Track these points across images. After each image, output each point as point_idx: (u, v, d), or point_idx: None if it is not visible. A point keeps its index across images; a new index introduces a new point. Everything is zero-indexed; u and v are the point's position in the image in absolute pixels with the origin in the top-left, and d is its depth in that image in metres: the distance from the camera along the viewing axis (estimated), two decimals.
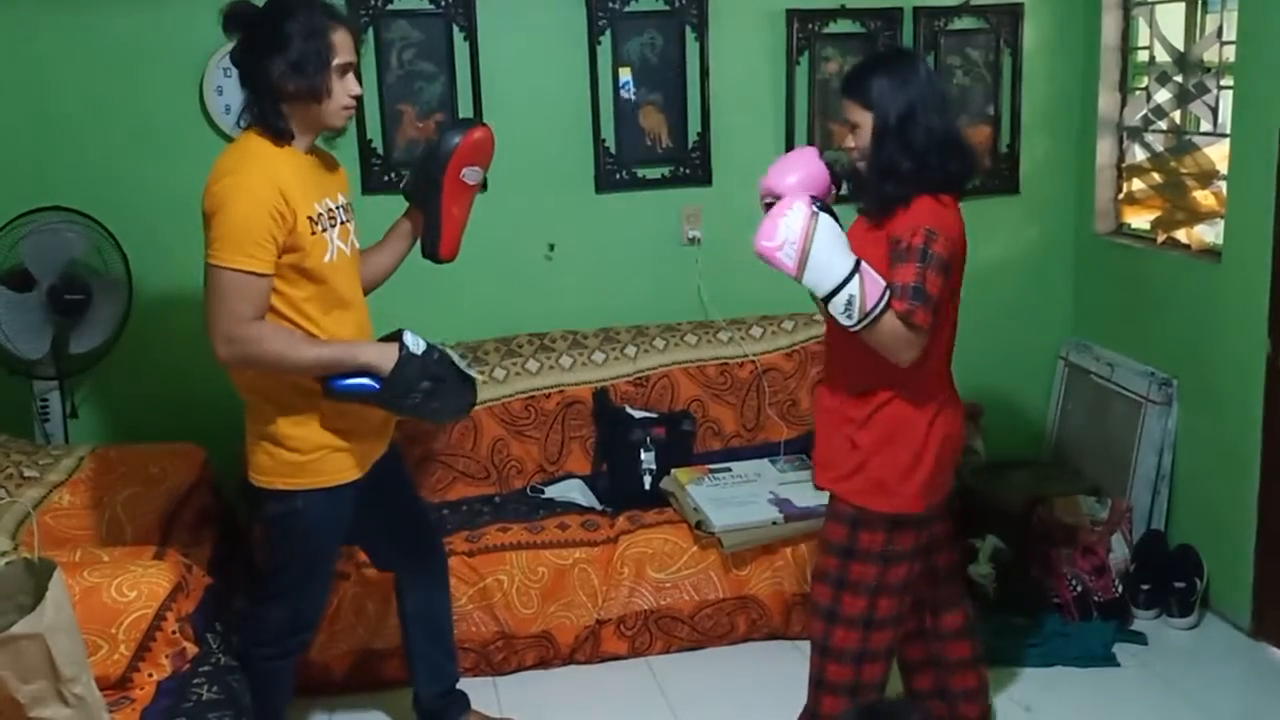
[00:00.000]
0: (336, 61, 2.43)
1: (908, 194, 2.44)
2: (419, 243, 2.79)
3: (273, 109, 2.44)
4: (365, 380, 2.48)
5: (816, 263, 2.33)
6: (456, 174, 2.69)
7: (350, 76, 2.48)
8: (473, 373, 2.66)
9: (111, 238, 3.51)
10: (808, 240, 2.33)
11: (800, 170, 2.53)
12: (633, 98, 3.93)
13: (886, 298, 2.36)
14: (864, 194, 2.54)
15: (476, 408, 3.73)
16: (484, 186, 3.12)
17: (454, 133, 2.70)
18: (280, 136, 2.46)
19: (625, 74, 3.91)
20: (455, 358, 2.61)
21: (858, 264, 2.36)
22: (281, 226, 2.38)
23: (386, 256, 2.79)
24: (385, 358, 2.47)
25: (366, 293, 2.74)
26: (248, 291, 2.37)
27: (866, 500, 2.54)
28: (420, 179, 2.73)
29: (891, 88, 2.45)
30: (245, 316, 2.38)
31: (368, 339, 2.63)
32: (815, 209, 2.36)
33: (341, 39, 2.45)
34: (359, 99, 2.53)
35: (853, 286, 2.33)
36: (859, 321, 2.36)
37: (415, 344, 2.51)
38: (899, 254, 2.41)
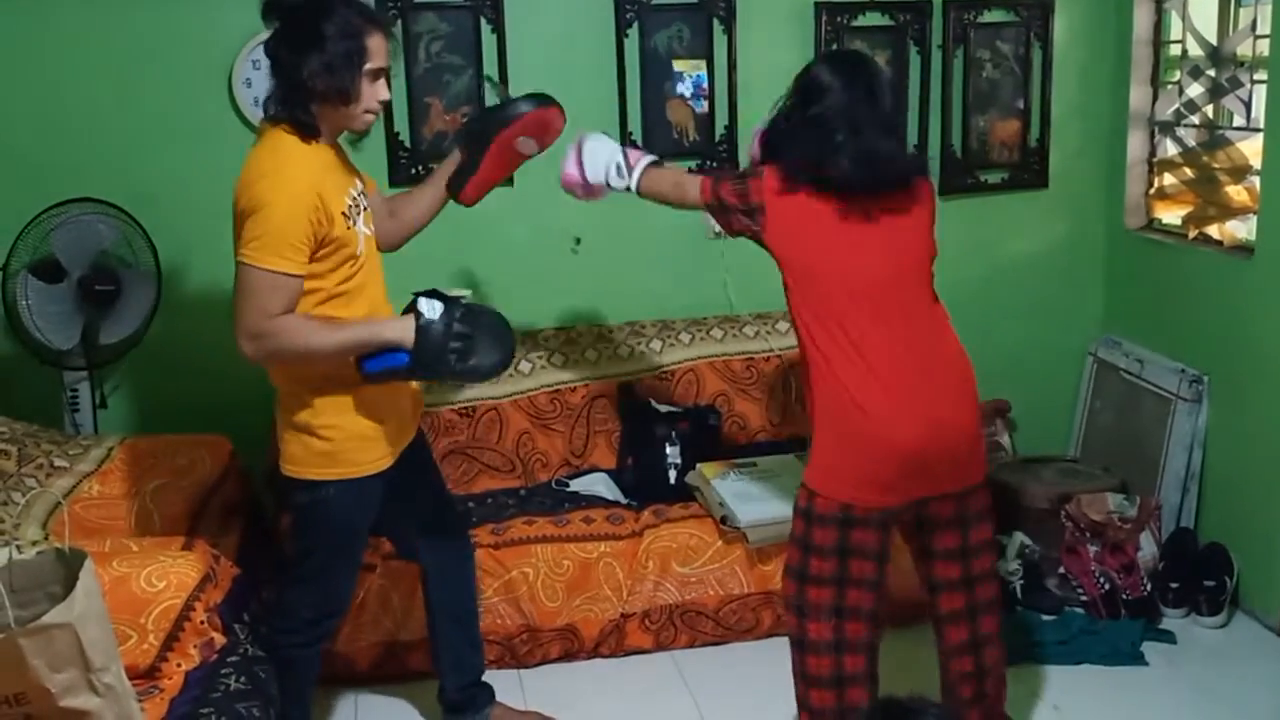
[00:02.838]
0: (369, 66, 2.44)
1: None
2: (448, 183, 2.82)
3: (302, 106, 2.44)
4: (395, 355, 2.46)
5: (589, 159, 2.85)
6: (511, 138, 2.76)
7: (381, 82, 2.49)
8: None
9: (141, 229, 3.53)
10: (579, 149, 2.87)
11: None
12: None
13: (648, 160, 2.83)
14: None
15: (503, 401, 3.78)
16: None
17: (528, 102, 2.78)
18: (307, 133, 2.47)
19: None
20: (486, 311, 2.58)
21: (622, 147, 2.85)
22: (319, 230, 2.41)
23: (424, 203, 2.83)
24: (407, 331, 2.47)
25: (404, 241, 2.83)
26: (279, 289, 2.39)
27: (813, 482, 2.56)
28: (477, 128, 2.79)
29: (814, 74, 2.56)
30: (273, 313, 2.39)
31: (388, 313, 2.67)
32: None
33: (376, 44, 2.45)
34: (385, 103, 2.54)
35: (616, 154, 2.83)
36: (631, 179, 2.81)
37: (431, 309, 2.47)
38: None
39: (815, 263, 2.53)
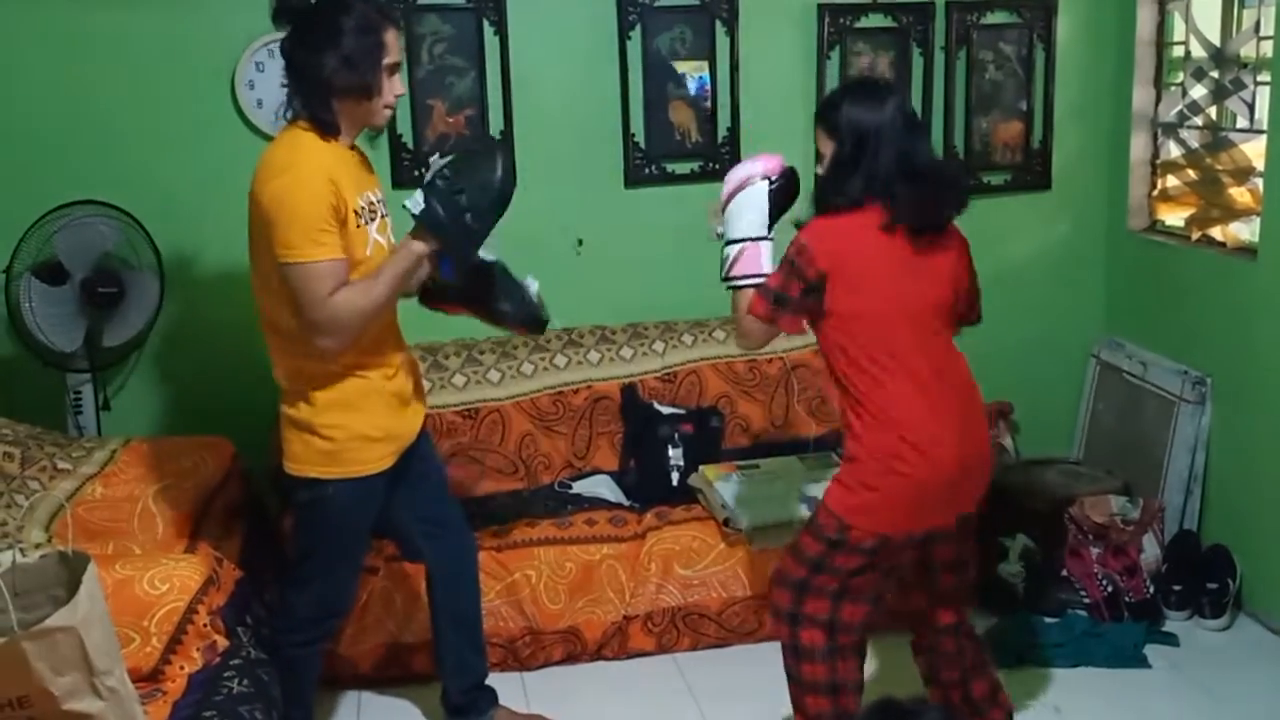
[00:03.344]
0: (387, 61, 2.47)
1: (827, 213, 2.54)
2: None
3: (322, 103, 2.46)
4: (442, 260, 2.54)
5: (730, 212, 2.65)
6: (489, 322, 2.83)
7: (397, 76, 2.52)
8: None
9: (143, 231, 3.53)
10: (737, 190, 2.64)
11: (763, 160, 2.70)
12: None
13: (750, 282, 2.58)
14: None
15: (505, 402, 3.78)
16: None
17: (516, 322, 2.81)
18: (328, 130, 2.48)
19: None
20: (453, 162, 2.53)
21: (758, 238, 2.61)
22: (338, 216, 2.43)
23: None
24: (420, 241, 2.50)
25: None
26: (326, 276, 2.41)
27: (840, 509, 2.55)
28: (473, 288, 2.74)
29: (856, 116, 2.50)
30: (324, 296, 2.40)
31: (395, 326, 2.68)
32: (766, 180, 2.63)
33: (392, 38, 2.48)
34: (399, 97, 2.57)
35: (733, 248, 2.62)
36: (723, 279, 2.64)
37: (415, 203, 2.48)
38: None
39: (878, 304, 2.50)
